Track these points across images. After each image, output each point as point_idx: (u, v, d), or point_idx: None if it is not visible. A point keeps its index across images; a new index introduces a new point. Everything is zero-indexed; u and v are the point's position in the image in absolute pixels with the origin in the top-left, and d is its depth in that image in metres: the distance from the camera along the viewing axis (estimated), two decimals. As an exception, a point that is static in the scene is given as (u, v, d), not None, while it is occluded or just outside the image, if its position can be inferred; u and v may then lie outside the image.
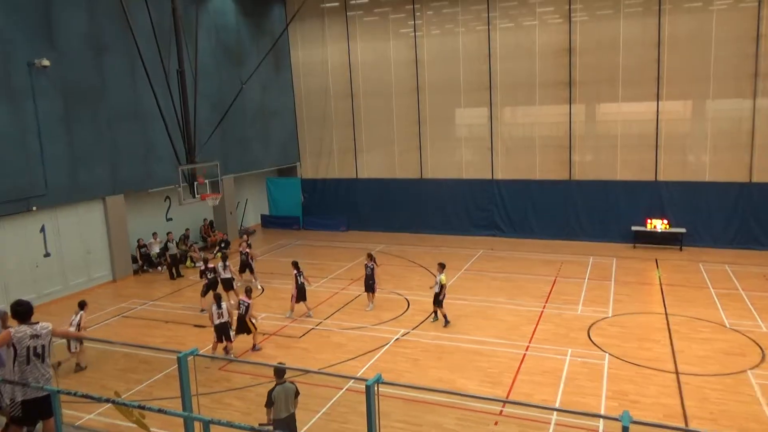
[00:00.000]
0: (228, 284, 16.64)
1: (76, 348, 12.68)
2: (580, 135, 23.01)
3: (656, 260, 20.21)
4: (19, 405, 6.65)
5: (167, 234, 20.96)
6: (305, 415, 10.25)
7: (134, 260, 21.07)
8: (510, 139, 24.19)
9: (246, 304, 13.33)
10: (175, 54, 18.07)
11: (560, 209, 23.44)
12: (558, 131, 23.26)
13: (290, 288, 15.83)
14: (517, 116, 24.18)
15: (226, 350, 13.26)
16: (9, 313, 7.12)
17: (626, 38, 21.65)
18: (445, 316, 14.69)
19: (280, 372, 8.76)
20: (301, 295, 15.65)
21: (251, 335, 13.54)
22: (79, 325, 12.64)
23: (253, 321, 13.59)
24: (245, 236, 21.18)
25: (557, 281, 18.20)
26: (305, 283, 15.80)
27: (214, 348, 13.27)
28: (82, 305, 13.07)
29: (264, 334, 14.45)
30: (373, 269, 15.97)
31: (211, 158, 19.57)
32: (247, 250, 19.01)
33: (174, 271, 20.33)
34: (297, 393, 8.82)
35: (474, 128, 24.89)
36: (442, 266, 14.79)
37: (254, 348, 13.57)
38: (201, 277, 16.92)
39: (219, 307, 13.11)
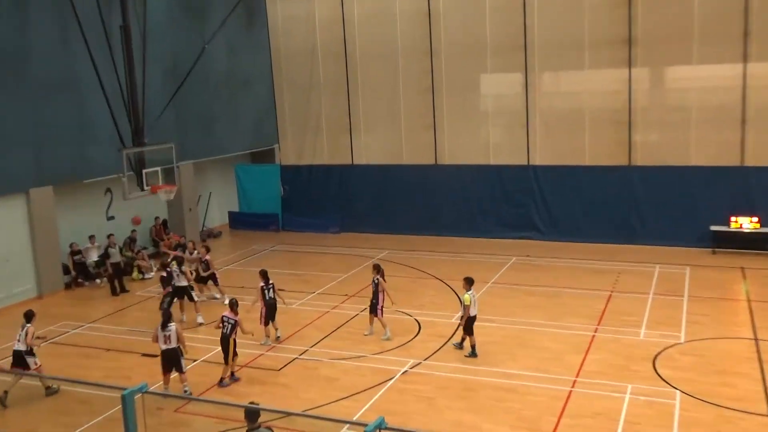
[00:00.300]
0: (184, 292, 17.40)
1: (35, 364, 13.41)
2: (643, 108, 22.94)
3: (742, 269, 20.13)
4: None
5: (108, 237, 21.03)
6: (286, 471, 10.26)
7: (66, 270, 21.18)
8: (551, 113, 24.15)
9: (232, 322, 13.55)
10: (118, 6, 18.16)
11: (617, 204, 23.39)
12: (614, 103, 23.19)
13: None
14: (561, 84, 24.15)
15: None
16: None
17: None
18: (473, 347, 14.55)
19: (252, 415, 8.71)
20: (270, 313, 15.75)
21: (227, 365, 13.67)
22: (26, 340, 13.28)
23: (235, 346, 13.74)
24: (204, 240, 21.25)
25: (613, 297, 18.14)
26: (276, 299, 15.91)
27: (166, 383, 13.30)
28: (29, 317, 13.64)
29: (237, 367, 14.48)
30: (378, 284, 15.92)
31: (164, 140, 19.63)
32: (207, 257, 19.06)
33: (117, 284, 20.39)
34: None
35: (504, 100, 24.87)
36: (468, 282, 14.69)
37: (221, 383, 13.58)
38: (164, 285, 17.32)
39: (165, 328, 13.15)
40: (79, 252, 21.23)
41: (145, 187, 18.43)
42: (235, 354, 13.73)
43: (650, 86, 22.94)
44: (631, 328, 15.89)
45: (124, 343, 16.39)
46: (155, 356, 15.06)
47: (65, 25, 19.45)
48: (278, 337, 15.95)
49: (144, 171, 18.44)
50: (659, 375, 13.36)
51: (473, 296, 14.55)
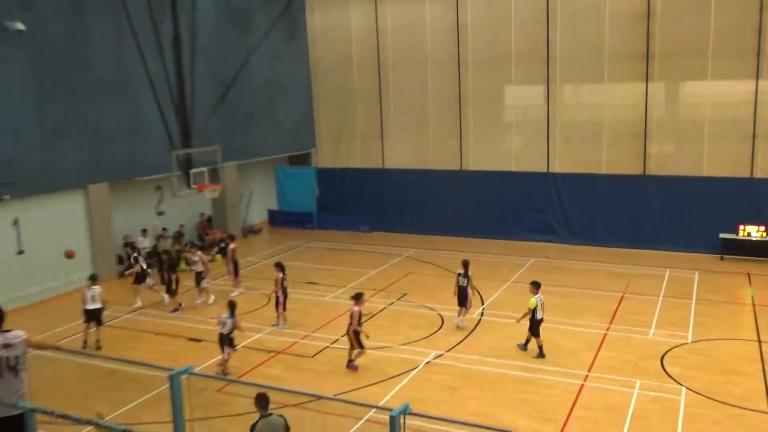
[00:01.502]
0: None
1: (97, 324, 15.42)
2: (659, 120, 22.77)
3: (749, 275, 19.92)
4: (-11, 425, 7.00)
5: (162, 230, 21.33)
6: (317, 450, 10.45)
7: (120, 260, 21.57)
8: (571, 124, 24.04)
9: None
10: (170, 16, 18.41)
11: (631, 211, 23.23)
12: (631, 115, 23.03)
13: (302, 299, 16.13)
14: (581, 96, 24.03)
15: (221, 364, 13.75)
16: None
17: None
18: (527, 342, 14.52)
19: (262, 402, 8.47)
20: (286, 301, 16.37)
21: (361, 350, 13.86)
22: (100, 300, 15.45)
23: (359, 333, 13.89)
24: (245, 235, 21.52)
25: (625, 298, 18.08)
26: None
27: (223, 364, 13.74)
28: (94, 278, 15.93)
29: (270, 352, 14.72)
30: (468, 279, 16.06)
31: (210, 142, 19.85)
32: (232, 245, 19.58)
33: (166, 274, 20.76)
34: (287, 429, 8.49)
35: (527, 110, 24.81)
36: (536, 286, 14.47)
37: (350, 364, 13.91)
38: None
39: (231, 315, 13.68)
40: (131, 244, 21.60)
41: (192, 186, 18.64)
42: (360, 345, 13.85)
43: (666, 100, 22.76)
44: (642, 327, 15.85)
45: (171, 328, 16.72)
46: (200, 341, 15.54)
47: (121, 34, 19.72)
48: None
49: (191, 171, 18.68)
50: (667, 372, 13.34)
51: (540, 300, 14.27)
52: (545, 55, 23.81)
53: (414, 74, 26.28)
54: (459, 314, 16.23)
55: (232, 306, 14.05)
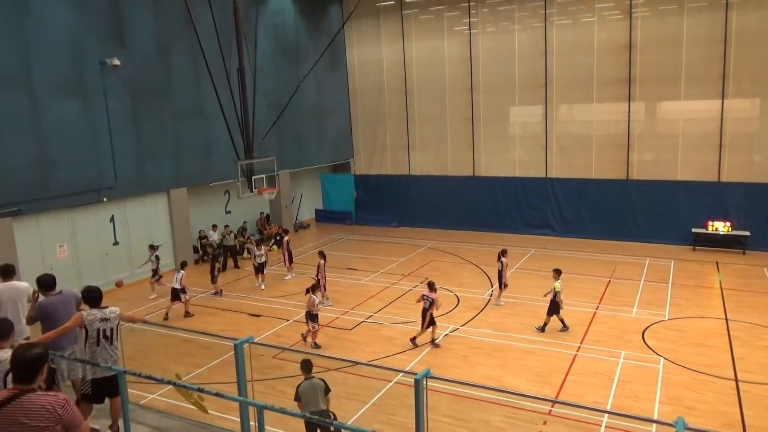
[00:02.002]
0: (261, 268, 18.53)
1: (185, 298, 15.85)
2: (639, 134, 22.32)
3: (717, 264, 19.41)
4: (90, 383, 7.04)
5: (224, 227, 21.56)
6: (354, 406, 10.41)
7: (195, 250, 21.80)
8: (565, 137, 23.70)
9: (430, 300, 13.31)
10: (236, 53, 18.52)
11: (616, 209, 22.82)
12: (616, 130, 22.62)
13: (342, 282, 16.08)
14: (574, 114, 23.66)
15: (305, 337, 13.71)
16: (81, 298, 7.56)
17: (690, 34, 20.83)
18: (562, 321, 13.98)
19: (306, 366, 8.54)
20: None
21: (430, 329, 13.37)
22: (180, 281, 15.70)
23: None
24: (297, 230, 21.55)
25: (612, 282, 17.75)
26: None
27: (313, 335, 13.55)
28: (183, 265, 16.30)
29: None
30: (503, 265, 15.91)
31: (268, 154, 20.00)
32: (286, 237, 19.59)
33: (232, 261, 20.96)
34: (327, 389, 8.38)
35: (528, 126, 24.51)
36: (558, 272, 14.17)
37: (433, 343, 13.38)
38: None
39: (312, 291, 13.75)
40: (205, 237, 21.85)
41: (254, 190, 18.78)
42: (433, 323, 13.37)
43: (645, 117, 22.27)
44: (626, 307, 15.54)
45: (236, 305, 16.86)
46: (259, 316, 15.62)
47: (197, 67, 19.96)
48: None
49: (253, 177, 18.77)
50: (647, 345, 13.05)
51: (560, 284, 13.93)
52: (544, 81, 23.51)
53: (435, 98, 26.14)
54: (498, 295, 16.13)
55: (313, 288, 13.77)
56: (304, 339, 13.69)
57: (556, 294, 13.86)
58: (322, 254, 16.62)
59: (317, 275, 16.41)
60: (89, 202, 17.65)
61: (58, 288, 7.87)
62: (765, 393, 10.78)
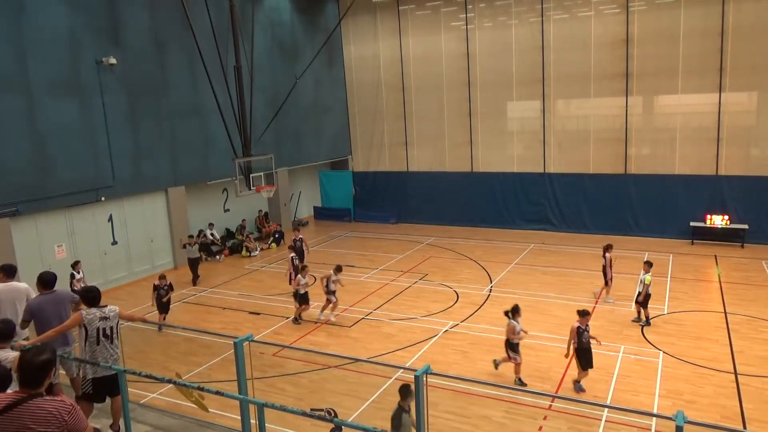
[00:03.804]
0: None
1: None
2: (637, 128, 22.31)
3: (716, 257, 19.44)
4: (90, 383, 7.04)
5: (192, 235, 20.45)
6: (355, 402, 10.43)
7: (194, 249, 21.74)
8: (563, 132, 23.69)
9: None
10: (233, 51, 18.51)
11: (615, 204, 22.83)
12: (614, 124, 22.63)
13: (341, 278, 16.04)
14: (571, 109, 23.65)
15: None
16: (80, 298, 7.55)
17: (687, 28, 20.81)
18: (647, 318, 13.88)
19: (407, 392, 7.00)
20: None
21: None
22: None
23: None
24: (296, 228, 21.41)
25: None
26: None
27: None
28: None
29: (315, 323, 14.75)
30: (606, 260, 15.57)
31: (265, 152, 19.97)
32: (301, 236, 19.10)
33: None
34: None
35: (526, 121, 24.50)
36: (649, 265, 13.91)
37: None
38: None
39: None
40: (203, 235, 21.82)
41: (252, 188, 18.77)
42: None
43: (643, 111, 22.27)
44: (625, 301, 15.55)
45: (235, 303, 16.86)
46: (258, 314, 15.62)
47: (194, 65, 19.94)
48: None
49: (251, 175, 18.78)
50: (646, 339, 13.08)
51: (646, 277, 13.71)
52: (541, 76, 23.48)
53: (432, 94, 26.11)
54: (606, 291, 15.81)
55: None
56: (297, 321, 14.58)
57: (645, 287, 13.61)
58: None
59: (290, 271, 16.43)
60: (87, 202, 17.63)
61: (56, 287, 7.89)
62: (764, 386, 10.81)
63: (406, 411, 7.02)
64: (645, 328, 13.60)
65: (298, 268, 15.18)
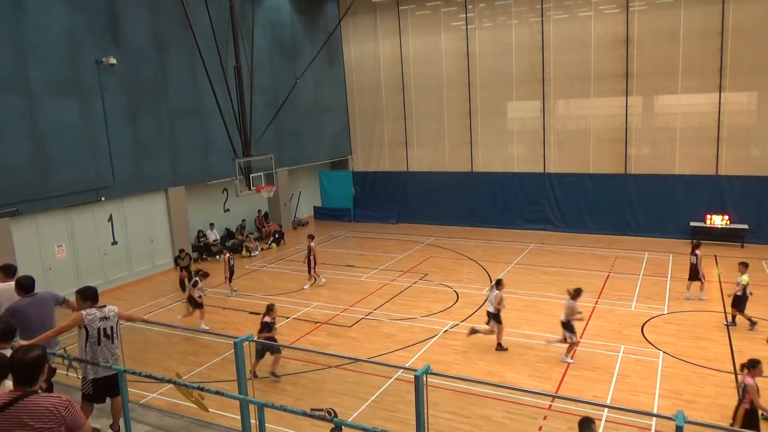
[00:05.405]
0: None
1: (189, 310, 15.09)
2: (637, 128, 22.31)
3: (715, 257, 19.43)
4: (90, 383, 7.03)
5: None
6: (355, 402, 10.42)
7: (194, 249, 21.76)
8: (563, 132, 23.69)
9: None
10: (233, 51, 18.50)
11: (615, 204, 22.83)
12: (614, 124, 22.63)
13: (341, 279, 16.09)
14: (571, 109, 23.65)
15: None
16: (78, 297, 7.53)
17: (687, 28, 20.81)
18: (750, 320, 13.32)
19: (588, 426, 6.33)
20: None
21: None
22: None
23: None
24: (295, 227, 21.20)
25: (610, 277, 17.76)
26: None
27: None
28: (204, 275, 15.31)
29: (315, 323, 14.75)
30: (697, 257, 15.37)
31: (266, 152, 19.94)
32: (311, 243, 18.35)
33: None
34: None
35: (526, 121, 24.49)
36: (745, 266, 13.46)
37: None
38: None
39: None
40: (203, 236, 21.81)
41: (252, 187, 18.76)
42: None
43: (643, 111, 22.26)
44: (625, 301, 15.56)
45: (235, 303, 16.87)
46: (258, 314, 15.56)
47: (194, 65, 19.93)
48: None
49: (251, 175, 18.75)
50: (646, 339, 13.08)
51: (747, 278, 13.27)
52: (541, 76, 23.48)
53: (432, 94, 26.10)
54: (700, 288, 15.43)
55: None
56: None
57: (743, 288, 13.27)
58: (311, 237, 17.21)
59: (308, 258, 17.28)
60: (87, 202, 17.63)
61: (38, 290, 7.92)
62: (764, 386, 10.79)
63: None
64: (645, 327, 13.58)
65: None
